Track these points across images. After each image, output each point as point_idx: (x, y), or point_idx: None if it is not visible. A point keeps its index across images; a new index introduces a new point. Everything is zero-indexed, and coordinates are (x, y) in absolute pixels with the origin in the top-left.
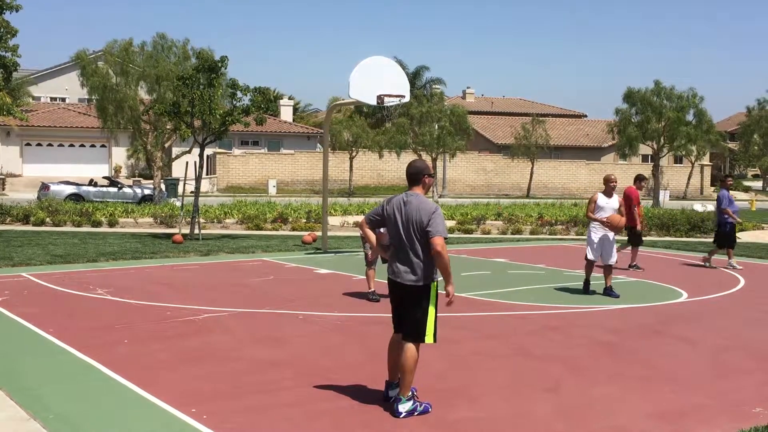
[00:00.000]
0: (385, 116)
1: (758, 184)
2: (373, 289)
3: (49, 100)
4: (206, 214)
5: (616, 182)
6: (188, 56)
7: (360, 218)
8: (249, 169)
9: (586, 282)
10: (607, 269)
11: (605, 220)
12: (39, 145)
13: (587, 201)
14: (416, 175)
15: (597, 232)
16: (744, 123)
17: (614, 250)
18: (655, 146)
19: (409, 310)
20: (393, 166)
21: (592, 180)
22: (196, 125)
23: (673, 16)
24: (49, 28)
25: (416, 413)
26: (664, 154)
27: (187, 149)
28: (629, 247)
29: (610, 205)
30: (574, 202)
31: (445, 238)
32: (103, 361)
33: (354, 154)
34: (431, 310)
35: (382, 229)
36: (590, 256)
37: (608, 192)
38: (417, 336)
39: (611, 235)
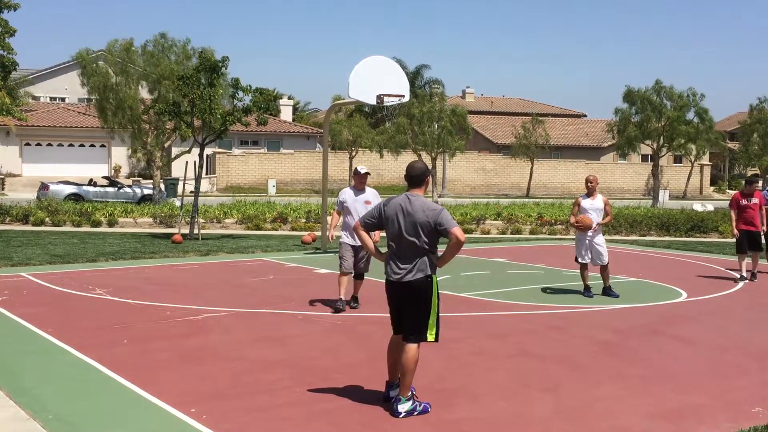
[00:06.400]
0: (386, 116)
1: (758, 184)
2: (341, 297)
3: (48, 99)
4: (206, 214)
5: (594, 182)
6: (189, 56)
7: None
8: (248, 169)
9: (586, 287)
10: (603, 269)
11: (575, 220)
12: (38, 144)
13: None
14: (419, 177)
15: (584, 235)
16: (745, 122)
17: (605, 249)
18: (654, 146)
19: (411, 308)
20: (393, 166)
21: None
22: (196, 125)
23: (674, 16)
24: (49, 28)
25: (416, 413)
26: (663, 154)
27: (187, 149)
28: None
29: (595, 206)
30: (573, 201)
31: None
32: (102, 360)
33: (354, 153)
34: (433, 305)
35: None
36: (581, 260)
37: (590, 193)
38: (419, 335)
39: (599, 236)
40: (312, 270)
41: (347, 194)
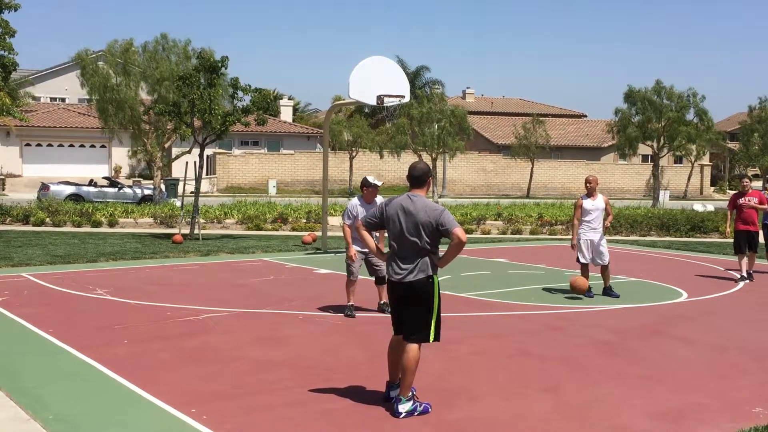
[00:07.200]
0: (386, 116)
1: (758, 184)
2: (351, 303)
3: (48, 100)
4: (206, 214)
5: (593, 182)
6: (189, 57)
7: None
8: (249, 170)
9: (587, 287)
10: (604, 270)
11: (572, 281)
12: (39, 145)
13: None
14: (421, 177)
15: (585, 235)
16: (745, 122)
17: (606, 250)
18: (655, 146)
19: (413, 308)
20: (393, 167)
21: None
22: (196, 125)
23: (674, 16)
24: (49, 28)
25: (416, 413)
26: (663, 154)
27: (187, 149)
28: None
29: (596, 206)
30: (574, 203)
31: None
32: (102, 361)
33: (354, 154)
34: (435, 306)
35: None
36: (582, 260)
37: (590, 193)
38: (420, 336)
39: (599, 236)
40: (312, 270)
41: (358, 209)
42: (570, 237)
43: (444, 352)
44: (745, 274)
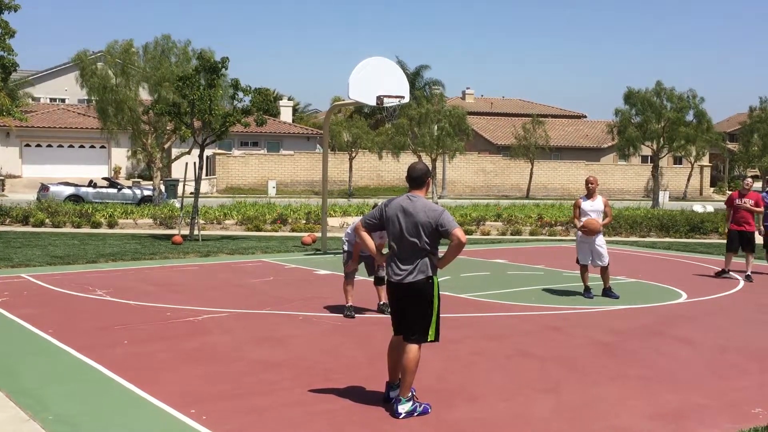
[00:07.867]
0: (385, 117)
1: (758, 185)
2: (350, 304)
3: (48, 101)
4: (206, 215)
5: (594, 183)
6: (189, 58)
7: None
8: (248, 170)
9: (586, 288)
10: (604, 271)
11: (581, 225)
12: (38, 146)
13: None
14: (420, 178)
15: (586, 236)
16: (745, 123)
17: (605, 251)
18: (654, 147)
19: (412, 309)
20: (393, 167)
21: None
22: (195, 126)
23: (674, 16)
24: (49, 29)
25: (416, 414)
26: (663, 155)
27: (187, 150)
28: None
29: (595, 207)
30: (573, 203)
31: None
32: (102, 361)
33: (354, 155)
34: (435, 306)
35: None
36: (582, 261)
37: (590, 194)
38: (420, 336)
39: (600, 237)
40: (312, 271)
41: None
42: (572, 238)
43: (444, 353)
44: (726, 269)
